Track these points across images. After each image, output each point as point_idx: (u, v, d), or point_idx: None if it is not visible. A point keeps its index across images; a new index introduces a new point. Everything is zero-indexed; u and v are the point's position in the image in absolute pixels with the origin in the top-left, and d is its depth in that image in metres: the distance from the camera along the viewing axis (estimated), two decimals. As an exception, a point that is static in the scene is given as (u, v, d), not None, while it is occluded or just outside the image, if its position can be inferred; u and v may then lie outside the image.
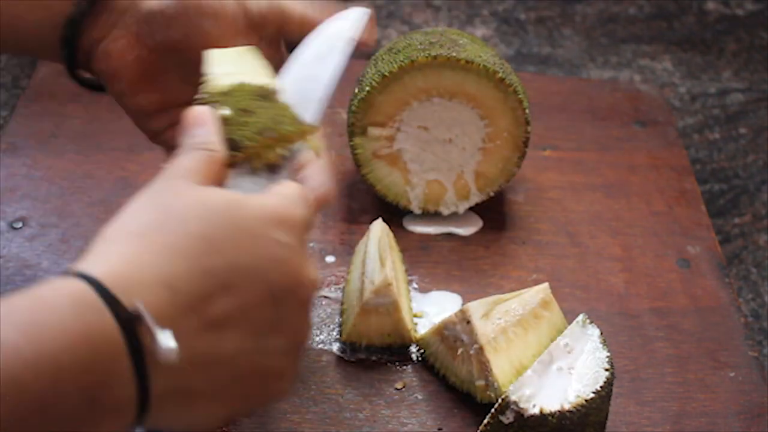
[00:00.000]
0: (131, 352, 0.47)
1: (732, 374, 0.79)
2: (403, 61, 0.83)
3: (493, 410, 0.69)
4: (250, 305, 0.52)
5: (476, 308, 0.74)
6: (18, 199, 0.88)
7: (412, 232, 0.89)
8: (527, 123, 0.85)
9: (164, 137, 0.72)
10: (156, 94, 0.71)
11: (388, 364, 0.77)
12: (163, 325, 0.48)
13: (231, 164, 0.59)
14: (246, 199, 0.55)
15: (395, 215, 0.90)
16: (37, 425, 0.45)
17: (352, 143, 0.86)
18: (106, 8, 0.68)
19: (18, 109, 0.97)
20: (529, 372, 0.70)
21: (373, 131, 0.86)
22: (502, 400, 0.68)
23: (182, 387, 0.50)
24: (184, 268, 0.50)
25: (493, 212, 0.92)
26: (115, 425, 0.48)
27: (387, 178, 0.88)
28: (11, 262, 0.82)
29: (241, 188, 0.60)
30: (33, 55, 0.73)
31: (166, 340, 0.48)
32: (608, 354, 0.72)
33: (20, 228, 0.85)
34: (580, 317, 0.74)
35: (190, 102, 0.70)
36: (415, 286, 0.84)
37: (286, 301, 0.54)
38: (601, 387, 0.69)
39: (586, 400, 0.68)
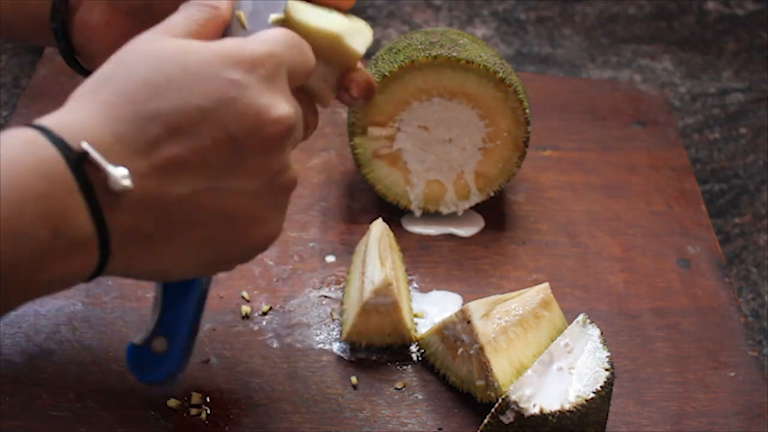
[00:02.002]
0: (82, 187, 0.50)
1: (732, 374, 0.79)
2: (403, 61, 0.83)
3: (493, 410, 0.69)
4: (204, 147, 0.52)
5: (476, 308, 0.74)
6: (18, 199, 0.88)
7: (411, 232, 0.89)
8: (527, 123, 0.85)
9: None
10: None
11: (388, 364, 0.77)
12: (111, 161, 0.50)
13: None
14: (203, 44, 0.54)
15: (395, 215, 0.90)
16: (9, 254, 0.47)
17: (352, 143, 0.86)
18: None
19: (18, 109, 0.97)
20: (529, 372, 0.70)
21: (373, 131, 0.86)
22: (503, 400, 0.68)
23: (139, 229, 0.52)
24: (129, 114, 0.51)
25: (493, 212, 0.92)
26: (81, 263, 0.51)
27: (387, 178, 0.88)
28: (11, 262, 0.82)
29: None
30: (10, 36, 0.74)
31: (115, 170, 0.50)
32: (608, 354, 0.72)
33: (20, 228, 0.85)
34: (580, 317, 0.74)
35: None
36: (415, 286, 0.84)
37: (248, 141, 0.53)
38: (601, 387, 0.69)
39: (586, 400, 0.68)
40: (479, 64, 0.83)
